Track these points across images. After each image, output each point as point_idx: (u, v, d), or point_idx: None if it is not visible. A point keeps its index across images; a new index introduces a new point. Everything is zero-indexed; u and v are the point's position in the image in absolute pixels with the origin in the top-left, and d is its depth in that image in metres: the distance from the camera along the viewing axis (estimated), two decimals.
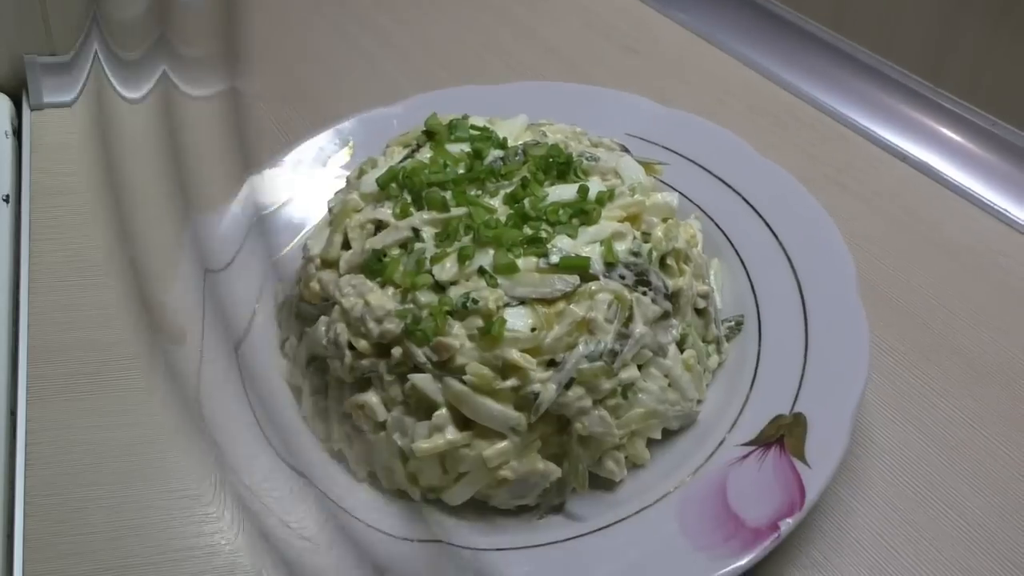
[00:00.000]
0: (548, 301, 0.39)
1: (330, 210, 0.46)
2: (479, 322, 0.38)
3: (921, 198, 0.56)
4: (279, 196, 0.52)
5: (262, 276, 0.48)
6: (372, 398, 0.40)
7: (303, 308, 0.44)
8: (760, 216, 0.49)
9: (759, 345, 0.44)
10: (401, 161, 0.46)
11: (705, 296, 0.44)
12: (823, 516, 0.40)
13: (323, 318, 0.42)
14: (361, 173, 0.47)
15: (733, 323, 0.45)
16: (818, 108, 0.63)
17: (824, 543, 0.40)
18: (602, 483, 0.41)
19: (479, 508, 0.41)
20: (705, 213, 0.50)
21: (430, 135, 0.47)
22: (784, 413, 0.40)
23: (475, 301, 0.38)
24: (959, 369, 0.47)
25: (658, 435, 0.42)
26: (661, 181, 0.51)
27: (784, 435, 0.39)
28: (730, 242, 0.48)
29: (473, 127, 0.47)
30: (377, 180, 0.44)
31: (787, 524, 0.36)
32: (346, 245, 0.43)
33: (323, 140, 0.55)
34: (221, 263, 0.45)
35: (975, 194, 0.56)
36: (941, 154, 0.59)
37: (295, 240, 0.51)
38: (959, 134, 0.60)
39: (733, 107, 0.62)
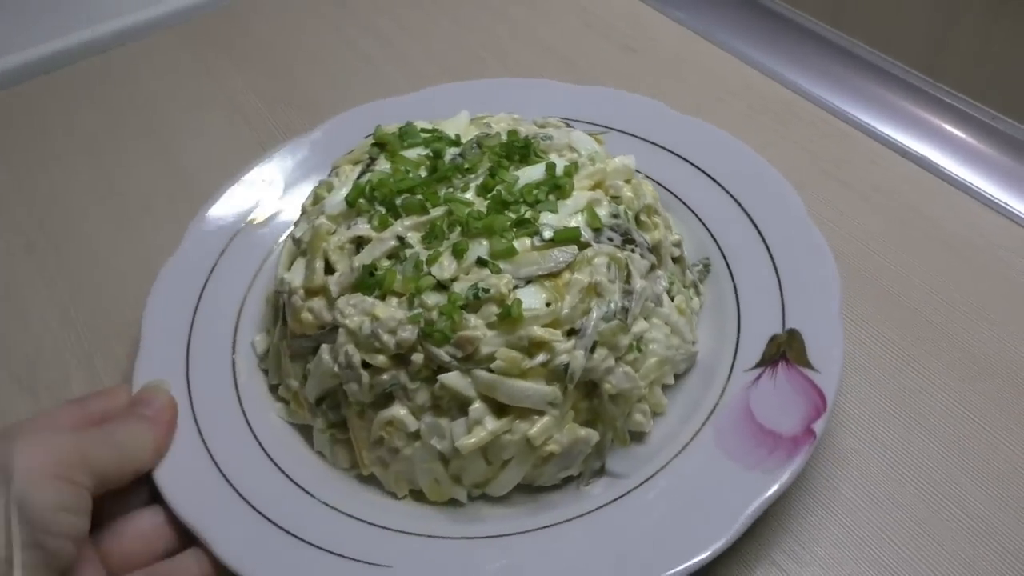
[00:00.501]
0: (553, 275, 0.40)
1: (296, 241, 0.45)
2: (494, 309, 0.39)
3: (921, 193, 0.55)
4: (221, 245, 0.51)
5: (231, 327, 0.47)
6: (399, 411, 0.40)
7: (297, 345, 0.43)
8: (697, 168, 0.52)
9: (732, 280, 0.47)
10: (359, 177, 0.46)
11: (678, 244, 0.47)
12: (826, 513, 0.41)
13: (325, 346, 0.41)
14: (318, 198, 0.47)
15: (702, 266, 0.48)
16: (817, 104, 0.62)
17: (828, 540, 0.40)
18: (633, 437, 0.42)
19: (524, 491, 0.41)
20: (646, 175, 0.51)
21: (381, 146, 0.47)
22: (778, 332, 0.43)
23: (485, 290, 0.39)
24: (960, 363, 0.47)
25: (671, 380, 0.44)
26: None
27: (785, 350, 0.42)
28: (676, 197, 0.51)
29: (422, 131, 0.47)
30: (346, 198, 0.44)
31: (819, 425, 0.39)
32: (328, 269, 0.43)
33: (250, 180, 0.54)
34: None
35: (975, 188, 0.56)
36: (941, 149, 0.59)
37: (251, 284, 0.50)
38: (958, 128, 0.60)
39: (732, 105, 0.62)
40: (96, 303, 0.55)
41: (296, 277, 0.43)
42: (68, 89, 0.72)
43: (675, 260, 0.46)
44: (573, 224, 0.41)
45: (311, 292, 0.42)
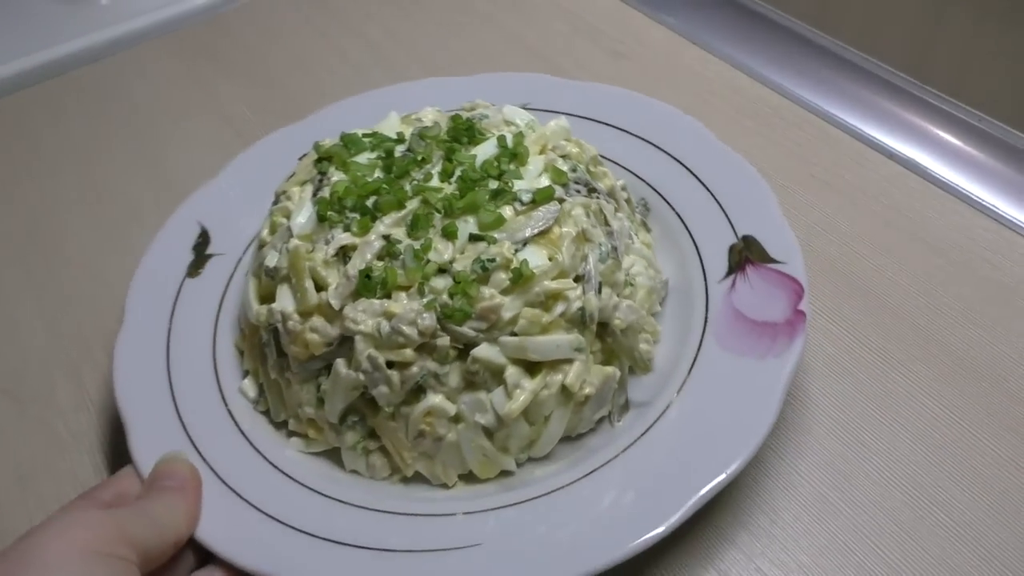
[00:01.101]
0: (545, 232, 0.42)
1: (272, 270, 0.44)
2: (503, 276, 0.40)
3: (908, 195, 0.55)
4: (170, 307, 0.49)
5: (212, 383, 0.46)
6: (435, 399, 0.40)
7: (304, 370, 0.42)
8: (601, 122, 0.55)
9: (674, 210, 0.50)
10: (315, 194, 0.45)
11: (624, 188, 0.50)
12: (812, 519, 0.41)
13: (339, 360, 0.41)
14: (275, 227, 0.46)
15: (641, 206, 0.52)
16: (804, 107, 0.62)
17: (813, 547, 0.40)
18: (640, 368, 0.44)
19: (566, 445, 0.43)
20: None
21: (328, 159, 0.47)
22: (735, 241, 0.47)
23: (491, 260, 0.40)
24: (947, 367, 0.46)
25: (659, 308, 0.47)
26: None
27: (747, 255, 0.46)
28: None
29: (365, 135, 0.48)
30: (317, 213, 0.44)
31: (805, 305, 0.43)
32: (317, 288, 0.42)
33: (172, 233, 0.52)
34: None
35: (962, 190, 0.56)
36: (927, 151, 0.59)
37: (215, 332, 0.48)
38: (945, 131, 0.60)
39: (720, 108, 0.62)
40: (84, 314, 0.55)
41: (286, 304, 0.43)
42: (57, 99, 0.72)
43: (626, 202, 0.50)
44: (543, 184, 0.44)
45: (306, 313, 0.42)
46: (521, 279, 0.40)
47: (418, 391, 0.40)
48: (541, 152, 0.47)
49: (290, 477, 0.41)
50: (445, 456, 0.41)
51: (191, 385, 0.45)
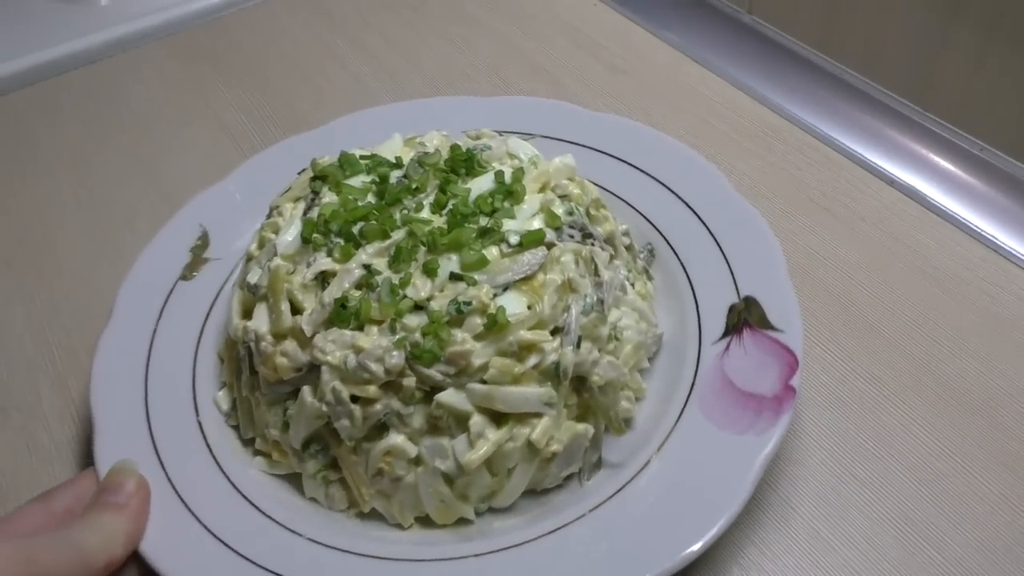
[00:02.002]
0: (528, 278, 0.40)
1: (250, 288, 0.44)
2: (478, 320, 0.39)
3: (907, 223, 0.55)
4: (158, 308, 0.49)
5: (188, 391, 0.45)
6: (397, 439, 0.39)
7: (272, 392, 0.42)
8: (617, 158, 0.53)
9: (679, 260, 0.48)
10: (306, 213, 0.45)
11: (626, 233, 0.48)
12: (804, 553, 0.41)
13: (306, 388, 0.40)
14: (263, 242, 0.45)
15: (647, 252, 0.50)
16: (805, 130, 0.62)
17: None
18: (616, 429, 0.43)
19: (528, 499, 0.41)
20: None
21: (323, 178, 0.46)
22: (735, 301, 0.45)
23: (467, 303, 0.39)
24: (941, 399, 0.46)
25: (647, 364, 0.45)
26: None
27: (746, 317, 0.44)
28: (605, 189, 0.52)
29: (363, 157, 0.47)
30: (301, 235, 0.43)
31: (796, 380, 0.41)
32: (294, 310, 0.41)
33: (172, 233, 0.52)
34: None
35: (961, 219, 0.55)
36: (928, 179, 0.58)
37: (198, 343, 0.47)
38: (946, 159, 0.59)
39: (720, 128, 0.62)
40: (73, 323, 0.54)
41: (261, 323, 0.42)
42: (53, 100, 0.71)
43: (627, 249, 0.48)
44: (535, 226, 0.42)
45: (280, 336, 0.41)
46: (495, 327, 0.38)
47: (381, 428, 0.39)
48: (541, 190, 0.45)
49: (247, 498, 0.41)
50: (402, 496, 0.40)
51: (166, 391, 0.45)
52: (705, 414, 0.41)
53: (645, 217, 0.51)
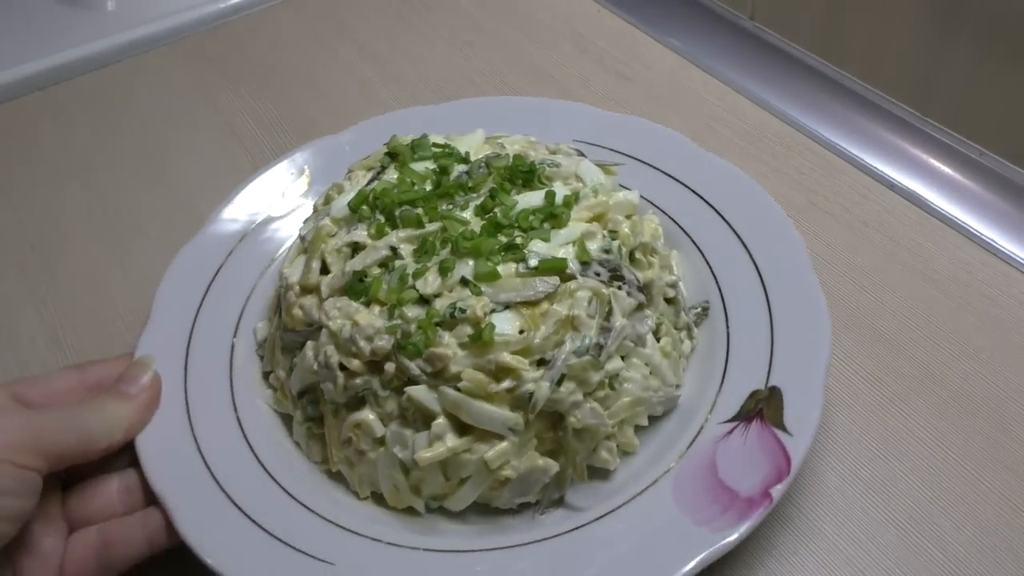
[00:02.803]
0: (532, 303, 0.40)
1: (302, 238, 0.47)
2: (468, 330, 0.39)
3: (908, 227, 0.55)
4: (241, 231, 0.53)
5: (231, 317, 0.49)
6: (368, 415, 0.41)
7: (287, 338, 0.45)
8: (710, 206, 0.51)
9: (727, 327, 0.46)
10: (368, 184, 0.47)
11: (673, 285, 0.46)
12: (808, 552, 0.41)
13: (310, 343, 0.43)
14: (328, 199, 0.48)
15: (700, 309, 0.47)
16: (807, 136, 0.62)
17: None
18: (597, 473, 0.42)
19: (482, 511, 0.42)
20: (659, 208, 0.51)
21: (393, 156, 0.48)
22: (760, 388, 0.42)
23: (462, 310, 0.39)
24: (943, 401, 0.46)
25: (645, 422, 0.43)
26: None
27: (763, 408, 0.41)
28: (686, 233, 0.50)
29: (435, 145, 0.48)
30: (349, 204, 0.45)
31: (778, 490, 0.38)
32: (324, 270, 0.44)
33: (278, 171, 0.56)
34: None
35: (961, 223, 0.55)
36: (928, 183, 0.58)
37: (264, 272, 0.51)
38: (946, 163, 0.59)
39: (723, 134, 0.62)
40: (86, 327, 0.55)
41: (294, 273, 0.45)
42: (63, 106, 0.71)
43: (669, 301, 0.46)
44: (561, 255, 0.42)
45: (306, 290, 0.44)
46: (479, 341, 0.39)
47: (360, 401, 0.41)
48: (592, 220, 0.44)
49: (240, 426, 0.44)
50: (363, 470, 0.42)
51: (220, 308, 0.49)
52: (675, 493, 0.39)
53: (713, 275, 0.48)
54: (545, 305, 0.40)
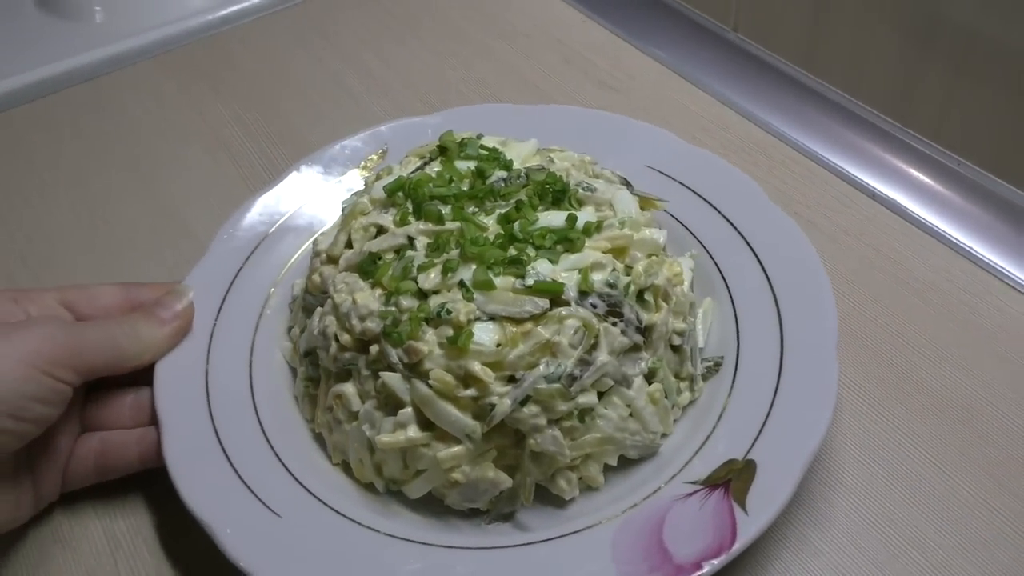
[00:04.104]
0: (517, 320, 0.40)
1: (343, 210, 0.49)
2: (449, 331, 0.40)
3: (889, 235, 0.56)
4: (314, 188, 0.56)
5: (278, 265, 0.52)
6: (349, 389, 0.43)
7: (308, 300, 0.47)
8: (760, 262, 0.49)
9: (731, 389, 0.44)
10: (412, 172, 0.48)
11: (682, 334, 0.45)
12: (792, 557, 0.42)
13: (319, 310, 0.45)
14: (378, 178, 0.50)
15: (712, 363, 0.46)
16: (789, 145, 0.63)
17: None
18: (555, 499, 0.43)
19: (437, 506, 0.43)
20: (708, 252, 0.50)
21: (443, 150, 0.49)
22: (737, 458, 0.41)
23: (448, 311, 0.40)
24: (923, 407, 0.47)
25: (613, 461, 0.43)
26: (671, 215, 0.52)
27: (732, 479, 0.40)
28: (726, 284, 0.49)
29: (483, 147, 0.49)
30: (384, 187, 0.47)
31: (711, 565, 0.37)
32: (350, 244, 0.46)
33: (359, 141, 0.58)
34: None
35: (941, 232, 0.56)
36: (908, 193, 0.60)
37: (319, 232, 0.53)
38: (926, 173, 0.61)
39: (706, 144, 0.62)
40: None
41: (324, 241, 0.48)
42: (51, 117, 0.71)
43: (674, 348, 0.45)
44: (563, 279, 0.41)
45: (330, 259, 0.46)
46: (454, 346, 0.40)
47: (347, 374, 0.43)
48: (610, 252, 0.44)
49: (250, 376, 0.47)
50: (336, 438, 0.44)
51: (267, 256, 0.52)
52: (614, 539, 0.39)
53: (737, 332, 0.47)
54: (529, 325, 0.40)
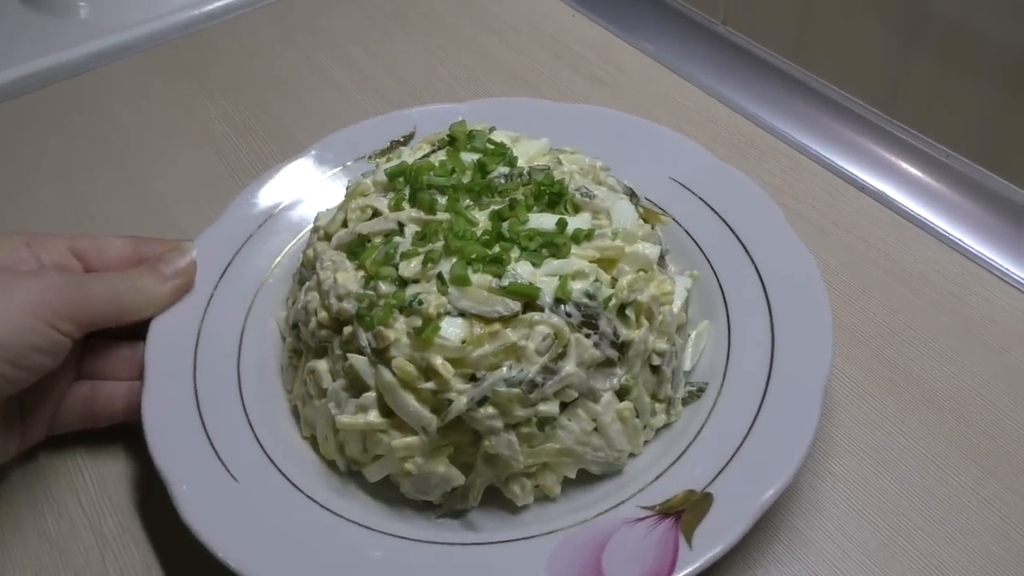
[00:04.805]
0: (487, 319, 0.40)
1: (347, 189, 0.50)
2: (418, 322, 0.40)
3: (877, 227, 0.56)
4: (338, 165, 0.56)
5: (289, 236, 0.53)
6: (322, 365, 0.43)
7: (302, 273, 0.48)
8: (764, 290, 0.47)
9: (707, 418, 0.43)
10: (419, 158, 0.48)
11: (663, 355, 0.43)
12: (783, 548, 0.42)
13: (307, 284, 0.46)
14: (388, 160, 0.50)
15: (696, 388, 0.45)
16: (779, 138, 0.63)
17: (778, 570, 0.41)
18: (511, 504, 0.42)
19: (393, 492, 0.43)
20: (715, 273, 0.49)
21: (452, 140, 0.49)
22: (696, 490, 0.39)
23: (420, 302, 0.40)
24: (913, 398, 0.47)
25: (572, 474, 0.42)
26: (685, 230, 0.50)
27: (686, 510, 0.39)
28: (726, 308, 0.47)
29: (491, 141, 0.48)
30: (386, 171, 0.47)
31: None
32: (346, 223, 0.46)
33: (388, 122, 0.59)
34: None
35: (930, 224, 0.57)
36: (896, 184, 0.59)
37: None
38: (914, 165, 0.60)
39: (696, 136, 0.59)
40: None
41: (324, 218, 0.48)
42: (35, 114, 0.70)
43: (653, 368, 0.43)
44: (542, 284, 0.41)
45: (327, 235, 0.47)
46: (419, 337, 0.39)
47: (323, 351, 0.44)
48: (597, 261, 0.43)
49: (239, 349, 0.47)
50: (307, 412, 0.45)
51: (277, 225, 0.52)
52: (553, 553, 0.38)
53: (727, 360, 0.45)
54: (498, 326, 0.40)
